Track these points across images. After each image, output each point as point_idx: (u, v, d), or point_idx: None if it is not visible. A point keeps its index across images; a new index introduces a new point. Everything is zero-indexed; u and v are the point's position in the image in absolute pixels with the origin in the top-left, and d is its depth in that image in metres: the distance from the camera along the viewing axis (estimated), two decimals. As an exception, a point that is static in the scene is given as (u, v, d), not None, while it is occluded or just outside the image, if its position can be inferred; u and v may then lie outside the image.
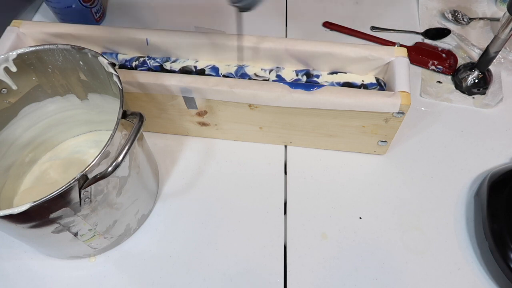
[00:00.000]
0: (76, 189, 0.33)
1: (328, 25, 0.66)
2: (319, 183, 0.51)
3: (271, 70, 0.51)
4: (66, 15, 0.63)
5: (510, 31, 0.49)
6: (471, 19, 0.66)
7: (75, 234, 0.39)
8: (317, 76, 0.50)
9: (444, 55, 0.62)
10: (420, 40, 0.64)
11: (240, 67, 0.51)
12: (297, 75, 0.50)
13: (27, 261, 0.46)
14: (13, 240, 0.47)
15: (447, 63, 0.61)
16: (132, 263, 0.45)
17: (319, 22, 0.66)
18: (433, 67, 0.61)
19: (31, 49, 0.41)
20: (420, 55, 0.62)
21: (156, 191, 0.49)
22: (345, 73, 0.50)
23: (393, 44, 0.63)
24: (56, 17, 0.65)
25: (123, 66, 0.52)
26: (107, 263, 0.45)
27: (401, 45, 0.63)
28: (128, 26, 0.51)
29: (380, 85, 0.49)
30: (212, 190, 0.50)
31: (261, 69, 0.51)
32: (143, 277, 0.44)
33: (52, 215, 0.34)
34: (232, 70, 0.51)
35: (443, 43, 0.64)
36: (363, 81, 0.49)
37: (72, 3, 0.61)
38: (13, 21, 0.51)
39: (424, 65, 0.61)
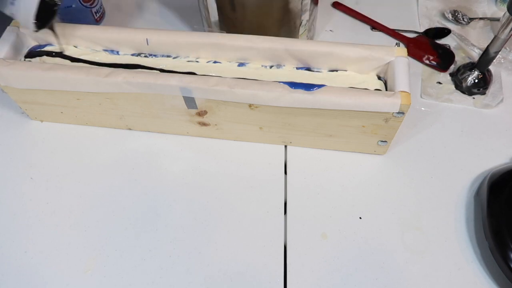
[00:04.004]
0: None
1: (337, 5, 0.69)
2: (319, 183, 0.51)
3: (271, 66, 0.51)
4: (66, 15, 0.63)
5: (510, 31, 0.49)
6: (471, 19, 0.66)
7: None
8: (318, 71, 0.50)
9: (440, 51, 0.62)
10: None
11: (241, 64, 0.51)
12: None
13: (27, 261, 0.46)
14: (13, 240, 0.47)
15: (442, 59, 0.61)
16: (132, 263, 0.45)
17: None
18: (427, 61, 0.61)
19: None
20: (417, 48, 0.62)
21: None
22: (346, 71, 0.50)
23: (399, 36, 0.65)
24: (56, 17, 0.64)
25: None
26: (107, 265, 0.45)
27: (403, 36, 0.64)
28: (128, 26, 0.51)
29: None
30: (212, 190, 0.50)
31: (262, 65, 0.51)
32: (143, 277, 0.44)
33: None
34: (234, 66, 0.51)
35: (443, 43, 0.64)
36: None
37: (72, 3, 0.61)
38: (13, 21, 0.51)
39: (419, 58, 0.61)
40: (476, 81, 0.57)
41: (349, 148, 0.52)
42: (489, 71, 0.58)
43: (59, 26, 0.52)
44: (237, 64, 0.51)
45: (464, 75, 0.58)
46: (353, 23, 0.67)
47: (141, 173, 0.52)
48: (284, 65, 0.51)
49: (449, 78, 0.60)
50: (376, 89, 0.48)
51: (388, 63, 0.48)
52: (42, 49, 0.52)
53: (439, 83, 0.59)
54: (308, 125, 0.48)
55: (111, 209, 0.49)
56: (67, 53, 0.52)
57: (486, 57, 0.55)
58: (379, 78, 0.49)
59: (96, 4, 0.64)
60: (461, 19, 0.66)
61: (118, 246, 0.46)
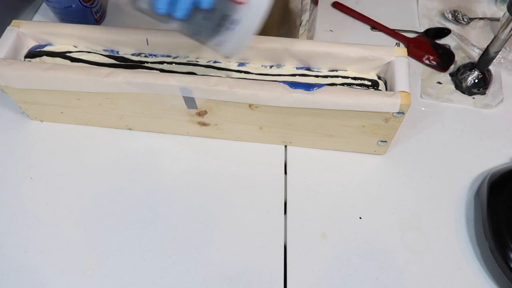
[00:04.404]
0: None
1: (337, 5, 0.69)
2: (319, 183, 0.51)
3: (271, 66, 0.51)
4: (66, 15, 0.63)
5: (510, 31, 0.49)
6: (471, 19, 0.66)
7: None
8: (318, 71, 0.50)
9: (440, 51, 0.62)
10: (420, 40, 0.65)
11: (241, 64, 0.51)
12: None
13: (27, 261, 0.46)
14: (13, 240, 0.47)
15: (442, 59, 0.61)
16: (132, 263, 0.45)
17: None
18: (427, 61, 0.61)
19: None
20: (417, 48, 0.62)
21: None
22: (346, 70, 0.50)
23: (399, 36, 0.65)
24: (56, 17, 0.65)
25: (126, 59, 0.52)
26: (107, 265, 0.45)
27: (403, 36, 0.64)
28: (128, 26, 0.51)
29: (376, 85, 0.49)
30: (212, 190, 0.50)
31: (262, 65, 0.51)
32: (143, 277, 0.44)
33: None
34: (234, 66, 0.51)
35: (443, 43, 0.64)
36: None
37: (72, 3, 0.61)
38: (13, 21, 0.51)
39: (419, 58, 0.62)
40: (476, 81, 0.57)
41: (349, 148, 0.52)
42: (489, 71, 0.58)
43: (58, 26, 0.52)
44: (237, 64, 0.51)
45: (464, 75, 0.58)
46: (353, 23, 0.67)
47: (141, 173, 0.52)
48: (284, 65, 0.51)
49: (449, 78, 0.60)
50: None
51: (388, 63, 0.48)
52: (42, 49, 0.52)
53: (439, 83, 0.59)
54: (308, 125, 0.48)
55: (111, 209, 0.49)
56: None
57: (486, 57, 0.55)
58: (379, 78, 0.49)
59: (96, 4, 0.64)
60: (461, 19, 0.66)
61: (118, 246, 0.46)
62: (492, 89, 0.58)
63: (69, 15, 0.63)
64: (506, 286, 0.43)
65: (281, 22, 0.54)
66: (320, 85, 0.44)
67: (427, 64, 0.61)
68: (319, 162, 0.52)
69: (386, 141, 0.50)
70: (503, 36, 0.50)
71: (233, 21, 0.38)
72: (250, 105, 0.46)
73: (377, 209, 0.49)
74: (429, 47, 0.62)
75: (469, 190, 0.50)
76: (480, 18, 0.67)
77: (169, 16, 0.38)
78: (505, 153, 0.53)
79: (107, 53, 0.52)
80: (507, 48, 0.61)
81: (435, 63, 0.61)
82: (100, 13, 0.66)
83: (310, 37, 0.62)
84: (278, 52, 0.49)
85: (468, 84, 0.57)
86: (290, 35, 0.56)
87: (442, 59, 0.61)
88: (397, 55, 0.47)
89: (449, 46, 0.63)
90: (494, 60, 0.56)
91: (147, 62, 0.52)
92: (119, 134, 0.55)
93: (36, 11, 0.69)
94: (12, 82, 0.49)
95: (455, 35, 0.64)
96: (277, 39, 0.49)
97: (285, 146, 0.54)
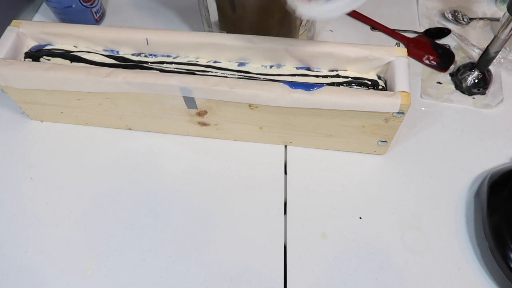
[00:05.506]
0: None
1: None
2: (319, 183, 0.51)
3: (271, 66, 0.51)
4: (66, 15, 0.63)
5: (510, 31, 0.49)
6: (471, 19, 0.66)
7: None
8: (318, 71, 0.50)
9: (440, 51, 0.62)
10: (420, 40, 0.65)
11: (241, 64, 0.51)
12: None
13: (27, 261, 0.46)
14: (13, 240, 0.47)
15: (442, 59, 0.61)
16: (132, 263, 0.45)
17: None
18: (427, 61, 0.61)
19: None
20: (417, 48, 0.62)
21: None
22: (346, 70, 0.50)
23: (399, 36, 0.65)
24: (56, 17, 0.65)
25: (126, 59, 0.52)
26: (107, 265, 0.45)
27: (403, 36, 0.64)
28: (128, 26, 0.51)
29: (376, 85, 0.49)
30: (212, 190, 0.50)
31: (262, 65, 0.51)
32: (143, 277, 0.44)
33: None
34: (234, 66, 0.51)
35: (443, 43, 0.64)
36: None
37: (72, 3, 0.61)
38: (13, 21, 0.51)
39: (419, 58, 0.62)
40: (476, 81, 0.57)
41: (349, 148, 0.52)
42: (489, 71, 0.58)
43: (58, 26, 0.52)
44: (237, 64, 0.51)
45: (464, 75, 0.58)
46: (353, 23, 0.67)
47: (141, 173, 0.52)
48: (284, 65, 0.51)
49: (449, 78, 0.60)
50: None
51: (388, 63, 0.48)
52: (42, 49, 0.52)
53: (439, 83, 0.59)
54: (308, 125, 0.48)
55: (111, 209, 0.49)
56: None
57: (486, 57, 0.55)
58: (379, 78, 0.49)
59: (96, 4, 0.64)
60: (461, 19, 0.66)
61: (118, 246, 0.46)
62: (492, 89, 0.58)
63: (69, 15, 0.63)
64: (506, 286, 0.43)
65: (281, 22, 0.54)
66: (320, 85, 0.44)
67: (427, 64, 0.61)
68: (319, 162, 0.52)
69: (386, 141, 0.50)
70: (503, 36, 0.50)
71: None
72: (250, 105, 0.46)
73: (377, 209, 0.49)
74: (429, 47, 0.63)
75: (469, 190, 0.50)
76: (480, 18, 0.67)
77: None
78: (505, 153, 0.53)
79: (107, 53, 0.52)
80: (507, 48, 0.61)
81: (435, 63, 0.61)
82: (100, 13, 0.66)
83: (310, 37, 0.62)
84: (278, 52, 0.49)
85: (468, 84, 0.57)
86: (290, 35, 0.56)
87: (442, 59, 0.61)
88: (397, 55, 0.47)
89: (449, 46, 0.63)
90: (494, 60, 0.56)
91: (147, 62, 0.52)
92: (119, 134, 0.55)
93: (36, 11, 0.69)
94: (12, 82, 0.49)
95: (455, 35, 0.64)
96: (277, 39, 0.49)
97: (285, 146, 0.54)
